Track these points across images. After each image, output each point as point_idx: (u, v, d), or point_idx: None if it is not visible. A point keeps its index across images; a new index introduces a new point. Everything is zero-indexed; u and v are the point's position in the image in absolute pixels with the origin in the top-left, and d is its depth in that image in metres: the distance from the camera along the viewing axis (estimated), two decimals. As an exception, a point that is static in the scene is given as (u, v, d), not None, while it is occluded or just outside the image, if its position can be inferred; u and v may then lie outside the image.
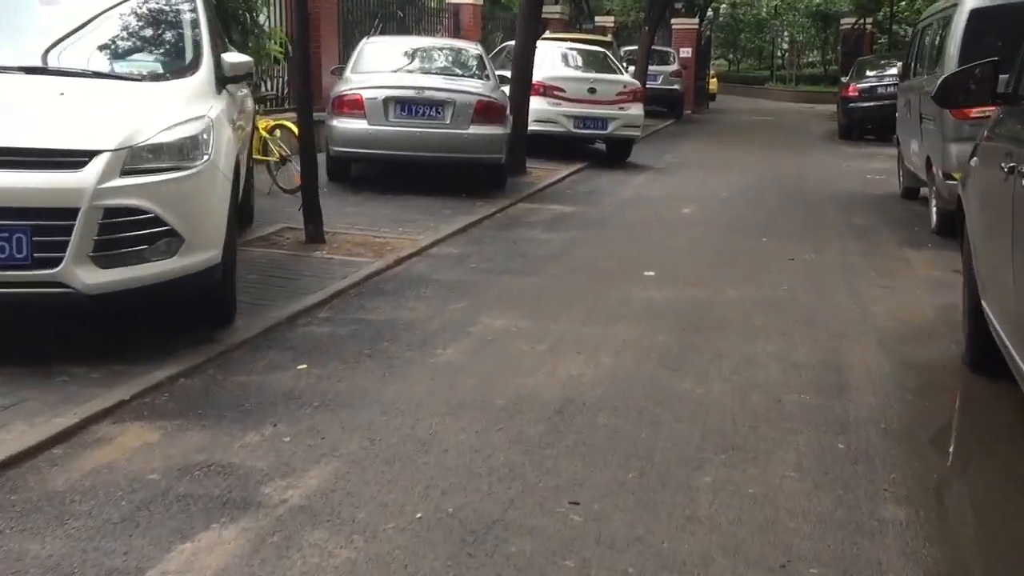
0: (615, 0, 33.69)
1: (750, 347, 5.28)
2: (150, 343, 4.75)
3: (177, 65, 5.44)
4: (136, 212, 4.41)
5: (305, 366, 4.72)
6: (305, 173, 7.54)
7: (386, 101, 9.90)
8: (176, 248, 4.58)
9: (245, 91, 6.77)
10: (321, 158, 10.66)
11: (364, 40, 11.67)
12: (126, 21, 5.62)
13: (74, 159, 4.33)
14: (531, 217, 9.46)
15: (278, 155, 9.67)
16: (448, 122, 9.98)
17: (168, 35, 5.66)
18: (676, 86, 25.28)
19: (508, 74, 12.62)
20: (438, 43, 12.47)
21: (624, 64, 22.96)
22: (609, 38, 23.65)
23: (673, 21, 29.18)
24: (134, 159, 4.46)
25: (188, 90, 5.17)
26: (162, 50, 5.59)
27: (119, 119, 4.59)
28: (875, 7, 30.75)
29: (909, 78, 10.87)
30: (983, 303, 4.65)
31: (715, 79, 37.61)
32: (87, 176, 4.30)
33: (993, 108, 5.42)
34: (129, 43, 5.54)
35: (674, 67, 25.69)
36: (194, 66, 5.42)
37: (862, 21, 31.24)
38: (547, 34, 21.22)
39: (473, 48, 11.80)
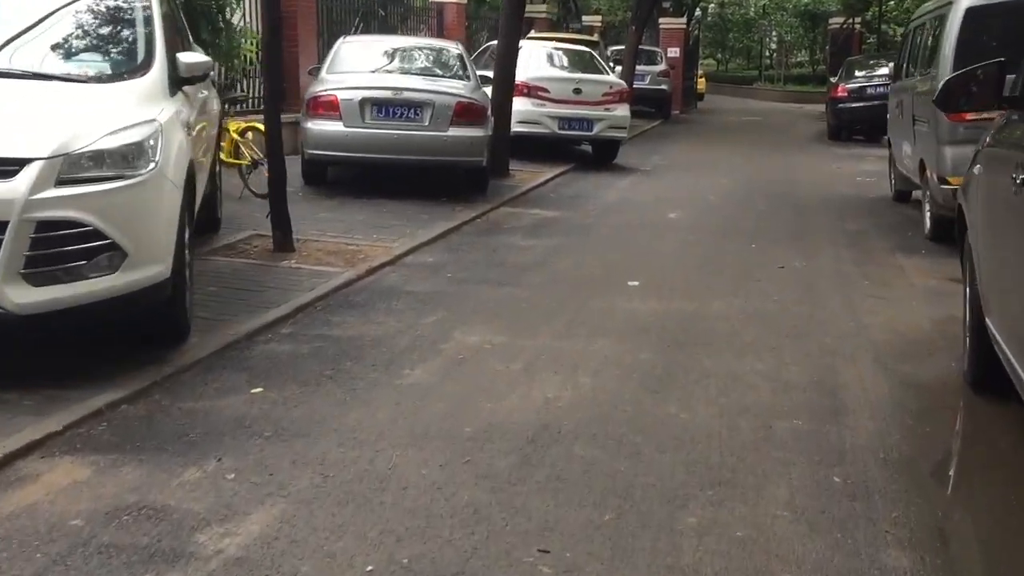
0: (602, -1, 33.41)
1: (738, 365, 4.96)
2: (92, 365, 4.40)
3: (127, 65, 5.09)
4: (73, 225, 4.07)
5: (260, 389, 4.39)
6: (273, 177, 7.19)
7: (362, 102, 9.56)
8: (118, 263, 4.23)
9: (206, 92, 6.41)
10: (297, 160, 10.40)
11: (341, 39, 11.31)
12: (73, 19, 5.26)
13: (3, 168, 3.98)
14: (512, 222, 9.13)
15: (250, 158, 9.32)
16: (427, 124, 9.64)
17: (117, 33, 5.30)
18: (664, 86, 24.97)
19: (492, 74, 12.31)
20: (417, 42, 12.14)
21: (611, 64, 22.71)
22: (596, 38, 23.35)
23: (661, 21, 28.88)
24: (71, 167, 4.12)
25: (137, 92, 4.83)
26: (111, 49, 5.24)
27: (56, 124, 4.25)
28: (864, 7, 30.50)
29: (901, 78, 10.58)
30: (987, 320, 4.35)
31: (703, 79, 37.33)
32: (17, 186, 3.96)
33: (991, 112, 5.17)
34: (75, 42, 5.19)
35: (662, 67, 25.38)
36: (145, 66, 5.07)
37: (850, 21, 31.00)
38: (532, 33, 20.93)
39: (453, 47, 11.45)
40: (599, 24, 29.75)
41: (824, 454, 3.87)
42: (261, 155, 9.34)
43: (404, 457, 3.69)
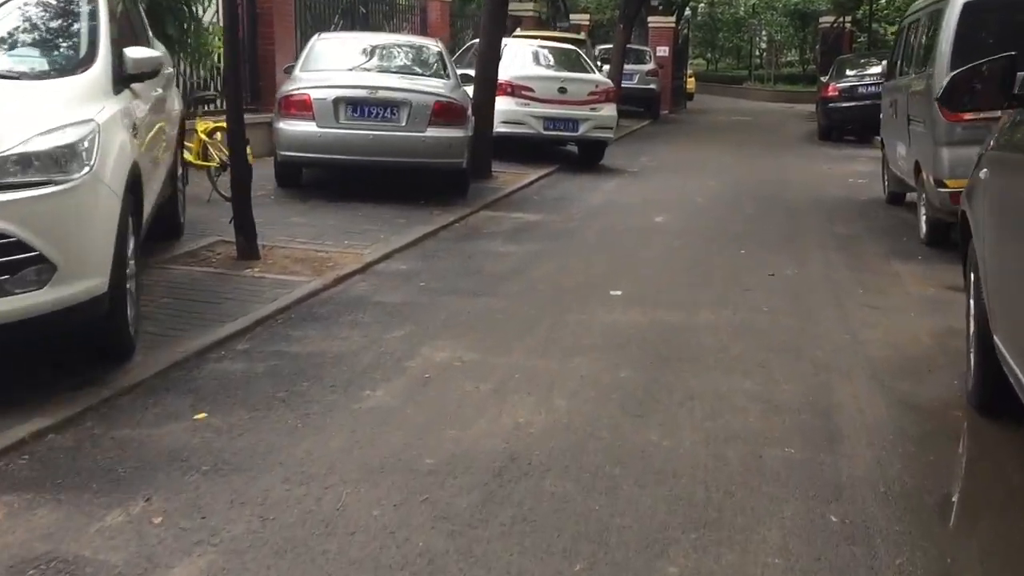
0: (591, -3, 33.05)
1: (726, 384, 4.61)
2: (20, 389, 4.03)
3: (67, 61, 4.71)
4: (-6, 236, 3.70)
5: (204, 415, 4.02)
6: (236, 180, 6.81)
7: (336, 101, 9.18)
8: (47, 277, 3.86)
9: (160, 90, 6.03)
10: (276, 162, 10.03)
11: (316, 36, 10.93)
12: (10, 11, 4.88)
13: (-86, 173, 3.61)
14: (492, 227, 8.77)
15: (218, 160, 8.93)
16: (404, 124, 9.28)
17: (58, 27, 4.92)
18: (652, 85, 24.66)
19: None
20: (395, 40, 11.75)
21: (599, 63, 22.37)
22: (582, 36, 22.99)
23: (650, 19, 28.56)
24: (-7, 172, 3.75)
25: (75, 90, 4.45)
26: (50, 44, 4.86)
27: (-22, 124, 3.88)
28: (854, 5, 30.22)
29: (895, 77, 10.25)
30: (995, 337, 4.01)
31: (693, 78, 37.04)
32: (-71, 194, 3.59)
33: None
34: (11, 36, 4.81)
35: (650, 66, 25.06)
36: (87, 62, 4.69)
37: (841, 20, 30.73)
38: (518, 32, 20.58)
39: (433, 45, 11.08)
40: (587, 23, 29.37)
41: (819, 488, 3.52)
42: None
43: (355, 495, 3.33)
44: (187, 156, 8.99)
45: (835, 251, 8.07)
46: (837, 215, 10.01)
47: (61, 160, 3.96)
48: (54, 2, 5.07)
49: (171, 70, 6.95)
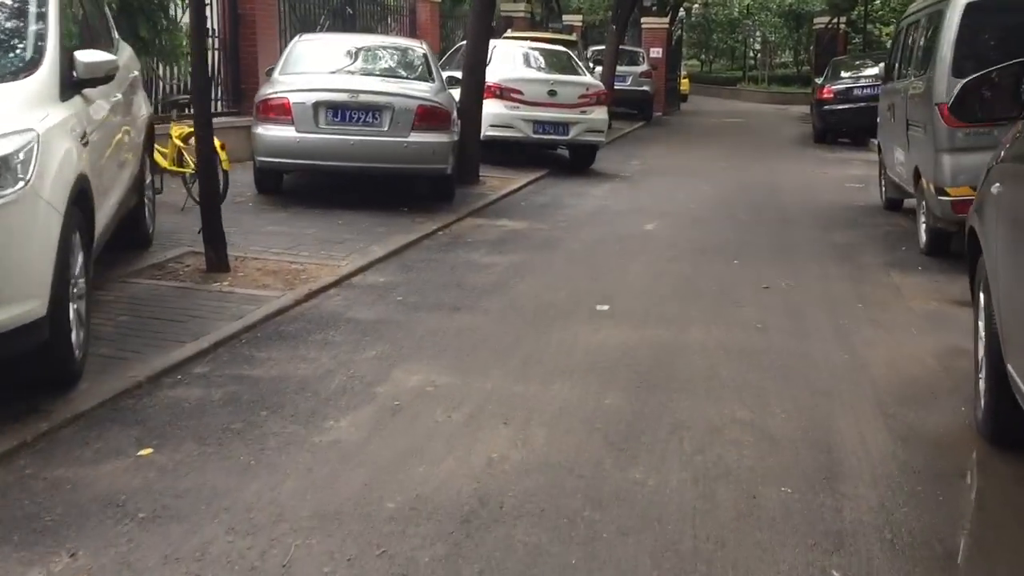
0: (583, -2, 32.74)
1: (717, 413, 4.30)
2: (-51, 423, 3.71)
3: (9, 66, 4.38)
4: (-87, 257, 3.38)
5: (149, 451, 3.69)
6: (204, 188, 6.49)
7: (316, 105, 8.85)
8: (-25, 302, 3.54)
9: (119, 96, 5.70)
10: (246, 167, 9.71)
11: (296, 37, 10.60)
12: (-50, 11, 4.56)
13: None
14: (477, 236, 8.45)
15: (193, 166, 8.59)
16: (386, 129, 8.95)
17: (1, 28, 4.59)
18: (646, 87, 24.36)
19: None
20: (379, 41, 11.39)
21: (591, 65, 22.07)
22: (574, 37, 22.65)
23: (643, 20, 28.27)
24: (-86, 187, 3.42)
25: (16, 96, 4.13)
26: (-8, 47, 4.54)
27: (-100, 135, 3.55)
28: (849, 6, 29.96)
29: (893, 80, 9.95)
30: (1008, 364, 3.70)
31: (686, 80, 36.76)
32: None
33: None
34: (-50, 38, 4.49)
35: (643, 68, 24.76)
36: (32, 67, 4.38)
37: (836, 20, 30.45)
38: (508, 33, 20.26)
39: (418, 47, 10.74)
40: (580, 24, 29.07)
41: (819, 536, 3.20)
42: (206, 163, 8.66)
43: (305, 548, 3.00)
44: (162, 162, 8.69)
45: (832, 262, 7.76)
46: (833, 222, 9.71)
47: (-7, 173, 3.64)
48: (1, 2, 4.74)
49: (136, 73, 6.63)
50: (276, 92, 9.04)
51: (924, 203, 7.97)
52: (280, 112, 8.90)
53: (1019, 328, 3.58)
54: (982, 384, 4.16)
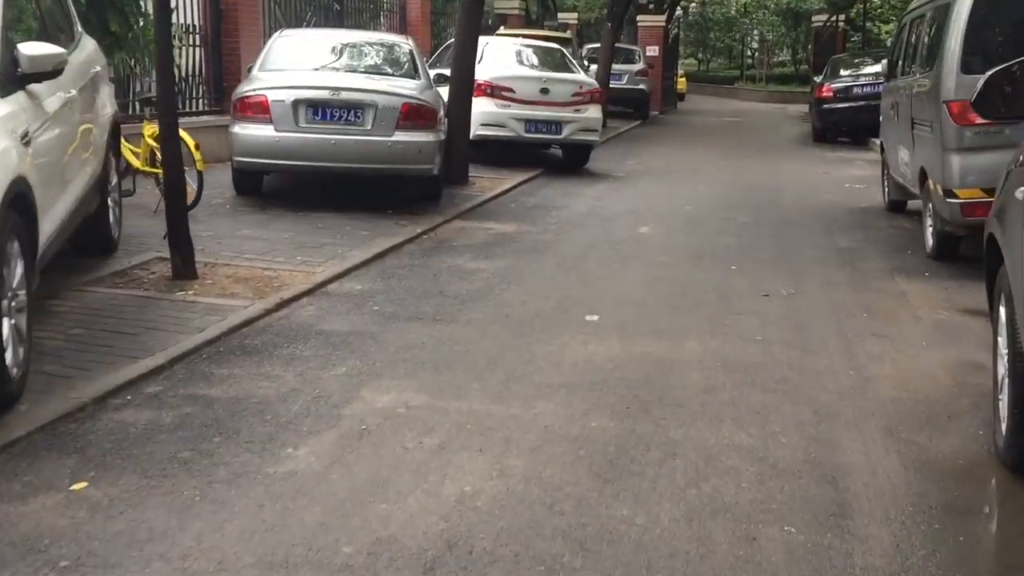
0: (579, -4, 32.35)
1: (714, 438, 3.94)
2: None
3: (-59, 59, 4.03)
4: None
5: (84, 484, 3.33)
6: (169, 191, 6.11)
7: (295, 103, 8.48)
8: None
9: (74, 92, 5.32)
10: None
11: (277, 33, 10.23)
12: None
13: None
14: (462, 239, 8.08)
15: (168, 167, 8.23)
16: (369, 128, 8.58)
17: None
18: (642, 86, 23.97)
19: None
20: (363, 37, 10.98)
21: (586, 63, 21.71)
22: (568, 34, 22.31)
23: (639, 18, 27.91)
24: None
25: (-56, 92, 3.78)
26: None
27: None
28: (847, 4, 29.58)
29: (896, 77, 9.59)
30: (1033, 388, 3.36)
31: (684, 78, 36.39)
32: None
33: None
34: None
35: (640, 66, 24.37)
36: (-33, 59, 4.02)
37: (834, 18, 30.11)
38: (502, 30, 19.90)
39: (403, 43, 10.38)
40: (575, 22, 28.71)
41: (827, 585, 2.86)
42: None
43: (244, 604, 2.65)
44: (134, 162, 8.33)
45: (835, 267, 7.39)
46: (835, 225, 9.35)
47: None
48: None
49: (99, 69, 6.25)
50: (254, 89, 8.67)
51: (931, 205, 7.61)
52: (258, 110, 8.54)
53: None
54: (1003, 406, 3.81)
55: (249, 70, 10.21)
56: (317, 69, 9.21)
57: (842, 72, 19.41)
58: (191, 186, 8.34)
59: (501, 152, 12.77)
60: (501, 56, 13.38)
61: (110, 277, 6.01)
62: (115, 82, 10.29)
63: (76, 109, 5.39)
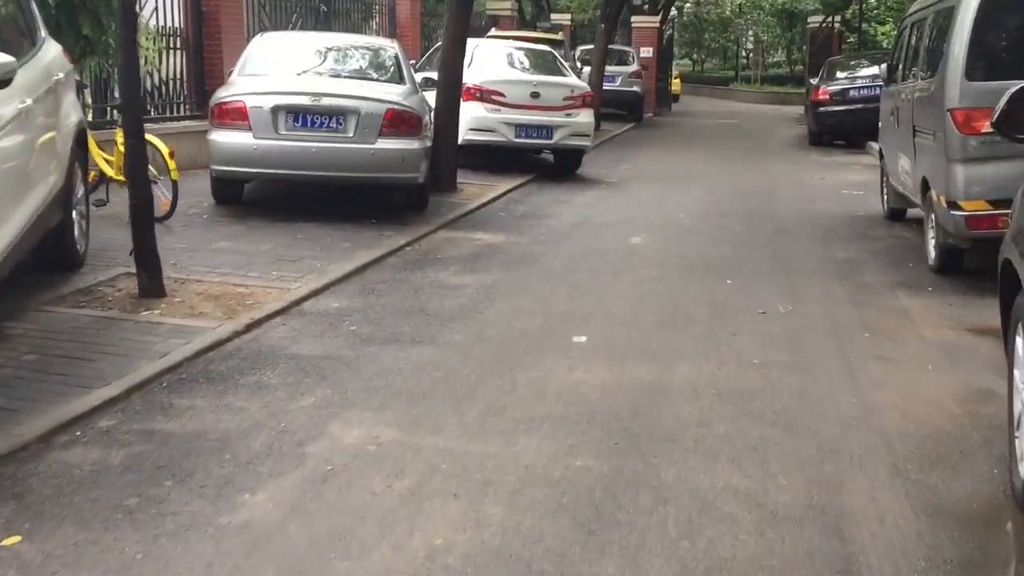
0: (572, -3, 32.06)
1: (708, 479, 3.64)
2: None
3: None
4: None
5: (18, 539, 3.03)
6: (135, 204, 5.80)
7: (275, 110, 8.18)
8: None
9: (28, 101, 5.00)
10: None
11: (257, 36, 9.92)
12: None
13: None
14: (448, 251, 7.78)
15: (141, 175, 7.92)
16: (351, 135, 8.28)
17: None
18: (636, 88, 23.73)
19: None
20: (346, 41, 10.65)
21: (579, 65, 21.42)
22: (560, 36, 22.00)
23: (633, 19, 27.66)
24: None
25: None
26: None
27: None
28: (843, 5, 29.31)
29: (896, 82, 9.30)
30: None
31: (678, 80, 36.16)
32: None
33: None
34: None
35: (633, 68, 24.14)
36: (-101, 69, 3.72)
37: (830, 19, 29.85)
38: (493, 32, 19.61)
39: (388, 46, 10.07)
40: (569, 23, 28.41)
41: (835, 661, 2.57)
42: (156, 172, 7.99)
43: None
44: (108, 171, 8.04)
45: (834, 281, 7.10)
46: (833, 235, 9.06)
47: None
48: None
49: (62, 75, 5.94)
50: (232, 95, 8.37)
51: (933, 217, 7.33)
52: (236, 117, 8.23)
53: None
54: (1020, 444, 3.53)
55: (231, 74, 9.93)
56: (298, 74, 8.91)
57: (838, 74, 19.11)
58: (165, 196, 8.07)
59: (491, 157, 12.49)
60: (491, 59, 13.10)
61: (72, 295, 5.71)
62: (92, 87, 10.03)
63: (33, 118, 5.08)
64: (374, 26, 16.91)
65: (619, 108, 23.00)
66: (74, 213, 6.18)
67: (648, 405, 4.42)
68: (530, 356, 5.09)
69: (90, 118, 9.31)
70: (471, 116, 11.87)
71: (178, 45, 11.51)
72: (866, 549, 3.16)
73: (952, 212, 6.77)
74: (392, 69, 9.46)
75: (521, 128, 12.24)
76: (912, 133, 8.05)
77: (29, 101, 4.98)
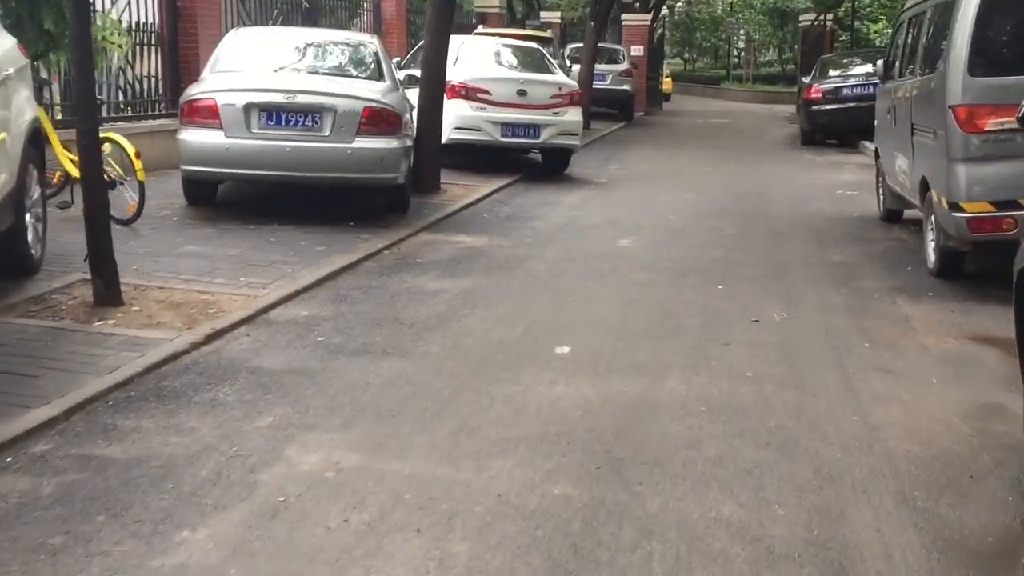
0: (562, -6, 31.74)
1: (698, 509, 3.32)
2: None
3: None
4: None
5: (-79, 587, 2.71)
6: (89, 207, 5.46)
7: (248, 108, 7.83)
8: None
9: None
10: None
11: (232, 31, 9.57)
12: None
13: None
14: (428, 255, 7.45)
15: (107, 176, 7.56)
16: (327, 134, 7.94)
17: None
18: (626, 86, 23.41)
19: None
20: (324, 36, 10.27)
21: (569, 63, 21.10)
22: (548, 33, 21.70)
23: (624, 17, 27.34)
24: None
25: None
26: None
27: None
28: (836, 3, 29.06)
29: (893, 79, 9.00)
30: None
31: (669, 79, 35.86)
32: None
33: None
34: None
35: (624, 66, 23.81)
36: None
37: (822, 17, 29.59)
38: (479, 29, 19.29)
39: (368, 41, 9.73)
40: (558, 20, 28.10)
41: None
42: (122, 172, 7.66)
43: None
44: (73, 171, 7.68)
45: (830, 286, 6.79)
46: (828, 237, 8.75)
47: None
48: None
49: (11, 71, 5.60)
50: (202, 92, 8.02)
51: (933, 218, 7.02)
52: (207, 115, 7.89)
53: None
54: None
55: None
56: (273, 71, 8.56)
57: (831, 73, 18.83)
58: (132, 198, 7.73)
59: (477, 157, 12.17)
60: (477, 56, 12.77)
61: (23, 304, 5.37)
62: (61, 84, 9.67)
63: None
64: (359, 24, 16.53)
65: (609, 107, 22.70)
66: (28, 216, 5.83)
67: (633, 424, 4.10)
68: (509, 369, 4.77)
69: (58, 116, 8.97)
70: (456, 114, 11.55)
71: (152, 41, 11.17)
72: (873, 592, 2.85)
73: (953, 214, 6.47)
74: (372, 66, 9.12)
75: (507, 127, 11.91)
76: (910, 131, 7.74)
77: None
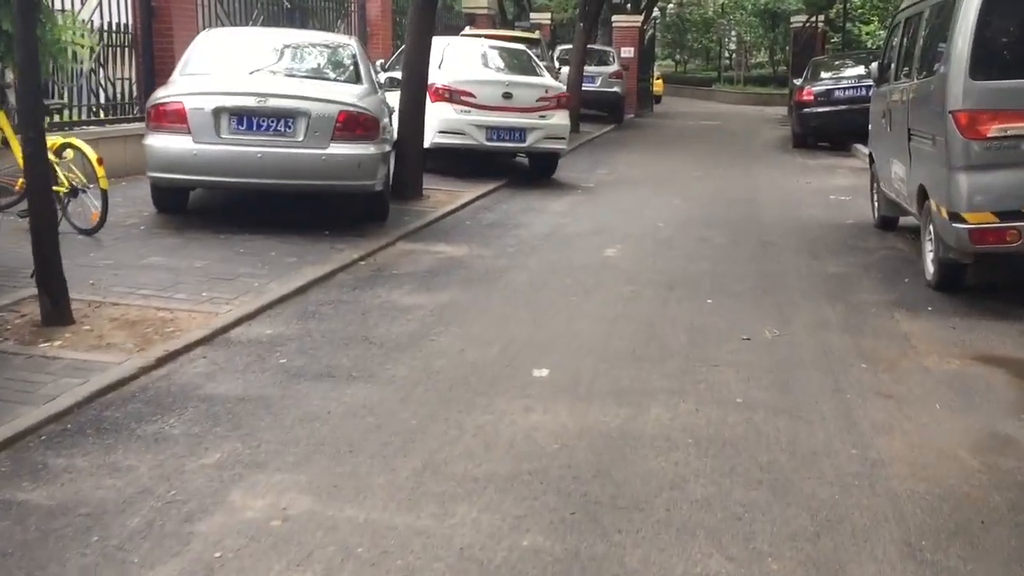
0: (552, -5, 31.42)
1: (683, 564, 2.98)
2: None
3: None
4: None
5: None
6: (35, 219, 5.11)
7: (217, 112, 7.48)
8: None
9: None
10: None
11: (203, 32, 9.22)
12: None
13: None
14: (405, 266, 7.11)
15: (68, 184, 7.24)
16: (301, 139, 7.59)
17: None
18: (616, 88, 23.10)
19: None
20: (300, 37, 9.89)
21: (558, 65, 20.78)
22: (536, 35, 21.36)
23: (614, 19, 27.05)
24: None
25: None
26: None
27: None
28: (827, 4, 28.79)
29: (888, 82, 8.69)
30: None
31: (660, 80, 35.59)
32: None
33: None
34: None
35: (614, 68, 23.49)
36: None
37: (813, 19, 29.32)
38: (467, 30, 18.96)
39: (346, 43, 9.37)
40: (548, 22, 27.77)
41: None
42: (84, 180, 7.31)
43: None
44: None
45: (824, 300, 6.46)
46: (822, 246, 8.43)
47: None
48: None
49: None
50: (169, 96, 7.66)
51: (931, 228, 6.71)
52: (174, 119, 7.53)
53: None
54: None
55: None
56: (242, 72, 8.20)
57: (823, 75, 18.52)
58: (94, 207, 7.39)
59: (461, 162, 11.84)
60: (462, 58, 12.44)
61: (-36, 324, 5.03)
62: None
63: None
64: (342, 26, 16.18)
65: (599, 109, 22.38)
66: (-26, 228, 5.51)
67: (613, 460, 3.76)
68: (482, 395, 4.43)
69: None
70: (439, 118, 11.23)
71: (126, 43, 10.82)
72: (878, 667, 2.53)
73: (954, 224, 6.16)
74: (350, 68, 8.76)
75: (492, 130, 11.57)
76: (907, 137, 7.43)
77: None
